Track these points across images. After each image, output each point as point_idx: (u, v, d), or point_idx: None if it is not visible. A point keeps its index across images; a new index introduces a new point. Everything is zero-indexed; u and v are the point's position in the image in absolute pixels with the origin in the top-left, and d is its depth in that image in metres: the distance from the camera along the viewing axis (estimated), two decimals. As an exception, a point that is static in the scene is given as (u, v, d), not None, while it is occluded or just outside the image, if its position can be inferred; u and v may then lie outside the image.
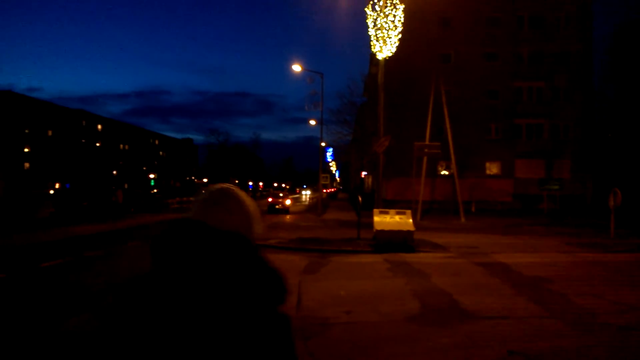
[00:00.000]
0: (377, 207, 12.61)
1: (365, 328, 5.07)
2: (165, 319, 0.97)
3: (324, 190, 35.86)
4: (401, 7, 13.22)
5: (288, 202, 30.10)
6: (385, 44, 13.15)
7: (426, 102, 23.37)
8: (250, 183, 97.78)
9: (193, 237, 1.04)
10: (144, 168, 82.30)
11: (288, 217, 25.11)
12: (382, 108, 14.05)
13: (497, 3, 31.94)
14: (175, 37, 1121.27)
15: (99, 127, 71.06)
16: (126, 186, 68.79)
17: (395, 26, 13.16)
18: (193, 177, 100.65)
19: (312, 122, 37.27)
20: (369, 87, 37.91)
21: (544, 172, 30.87)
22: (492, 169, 32.17)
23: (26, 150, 54.71)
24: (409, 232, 11.29)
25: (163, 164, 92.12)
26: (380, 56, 13.47)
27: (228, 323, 0.97)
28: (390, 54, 13.45)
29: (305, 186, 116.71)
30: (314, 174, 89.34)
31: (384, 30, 13.09)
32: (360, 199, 14.96)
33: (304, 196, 79.64)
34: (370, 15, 13.22)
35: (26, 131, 54.58)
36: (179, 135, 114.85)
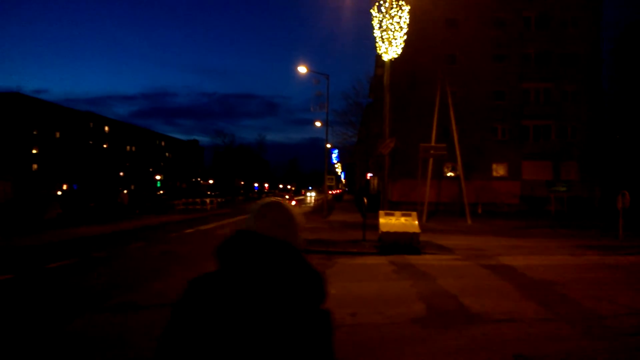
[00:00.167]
0: (383, 209, 12.58)
1: (370, 330, 5.06)
2: (232, 311, 1.15)
3: (330, 192, 35.85)
4: (407, 8, 13.20)
5: (293, 203, 30.23)
6: (390, 45, 13.13)
7: (432, 104, 23.30)
8: (256, 184, 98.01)
9: (248, 245, 1.25)
10: (151, 169, 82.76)
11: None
12: (387, 109, 14.03)
13: (504, 4, 31.79)
14: (181, 39, 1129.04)
15: (106, 128, 71.60)
16: (133, 187, 69.24)
17: (401, 27, 13.14)
18: (199, 179, 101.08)
19: (318, 124, 37.30)
20: (375, 89, 37.88)
21: (551, 174, 30.63)
22: (499, 170, 31.97)
23: (34, 151, 55.25)
24: (414, 234, 11.24)
25: (169, 166, 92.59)
26: (385, 57, 13.45)
27: (284, 316, 1.17)
28: (396, 55, 13.43)
29: (310, 187, 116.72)
30: (319, 176, 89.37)
31: (389, 32, 13.07)
32: (365, 200, 14.93)
33: (309, 198, 79.52)
34: (376, 16, 13.21)
35: (34, 132, 55.13)
36: (184, 137, 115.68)
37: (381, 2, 13.11)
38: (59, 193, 50.83)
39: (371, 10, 13.30)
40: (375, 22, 13.26)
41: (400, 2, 13.08)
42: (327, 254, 10.97)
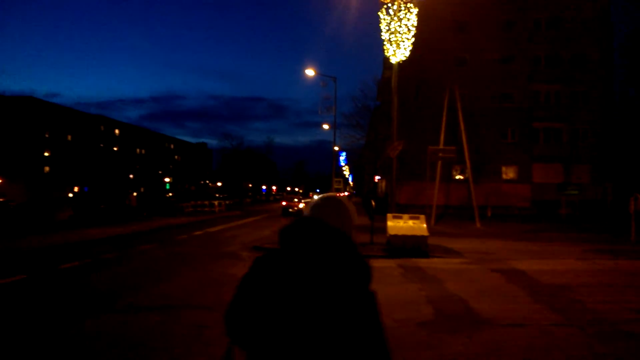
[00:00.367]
0: (391, 212, 12.53)
1: (378, 333, 5.03)
2: (291, 286, 1.29)
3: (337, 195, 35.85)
4: (415, 10, 13.18)
5: (301, 205, 30.40)
6: (398, 47, 13.12)
7: (440, 106, 23.19)
8: (264, 187, 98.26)
9: (309, 228, 1.39)
10: (160, 172, 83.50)
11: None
12: (395, 112, 14.00)
13: (513, 6, 31.57)
14: (190, 42, 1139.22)
15: (117, 131, 72.44)
16: (142, 190, 69.88)
17: (409, 30, 13.12)
18: (207, 181, 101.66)
19: (326, 127, 37.38)
20: (383, 91, 37.81)
21: (562, 177, 30.26)
22: (509, 173, 31.67)
23: (46, 154, 56.06)
24: (422, 237, 11.18)
25: (178, 168, 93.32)
26: (393, 60, 13.43)
27: (338, 292, 1.29)
28: (404, 58, 13.41)
29: (318, 190, 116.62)
30: (326, 178, 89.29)
31: (397, 34, 13.06)
32: (373, 203, 14.91)
33: (317, 200, 79.38)
34: (384, 19, 13.21)
35: (46, 136, 55.95)
36: (193, 140, 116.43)
37: (389, 4, 13.11)
38: (70, 195, 51.49)
39: (379, 13, 13.31)
40: (383, 25, 13.26)
41: (409, 5, 13.07)
42: (335, 256, 10.94)
